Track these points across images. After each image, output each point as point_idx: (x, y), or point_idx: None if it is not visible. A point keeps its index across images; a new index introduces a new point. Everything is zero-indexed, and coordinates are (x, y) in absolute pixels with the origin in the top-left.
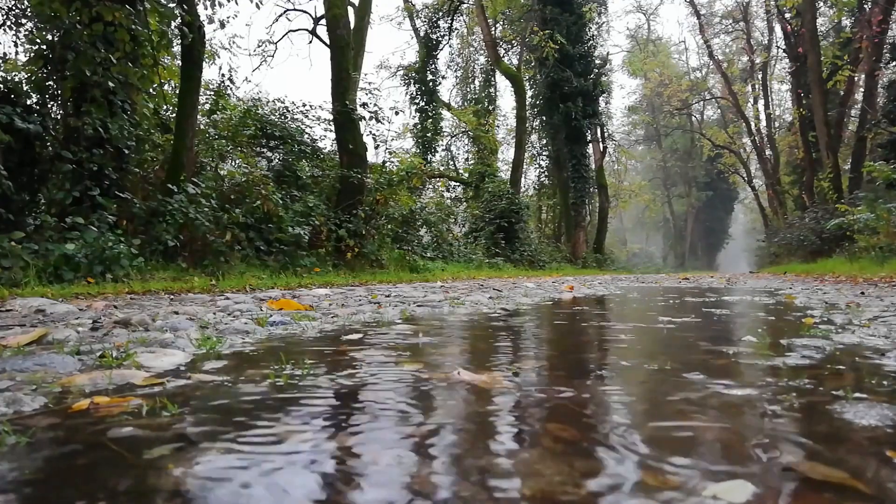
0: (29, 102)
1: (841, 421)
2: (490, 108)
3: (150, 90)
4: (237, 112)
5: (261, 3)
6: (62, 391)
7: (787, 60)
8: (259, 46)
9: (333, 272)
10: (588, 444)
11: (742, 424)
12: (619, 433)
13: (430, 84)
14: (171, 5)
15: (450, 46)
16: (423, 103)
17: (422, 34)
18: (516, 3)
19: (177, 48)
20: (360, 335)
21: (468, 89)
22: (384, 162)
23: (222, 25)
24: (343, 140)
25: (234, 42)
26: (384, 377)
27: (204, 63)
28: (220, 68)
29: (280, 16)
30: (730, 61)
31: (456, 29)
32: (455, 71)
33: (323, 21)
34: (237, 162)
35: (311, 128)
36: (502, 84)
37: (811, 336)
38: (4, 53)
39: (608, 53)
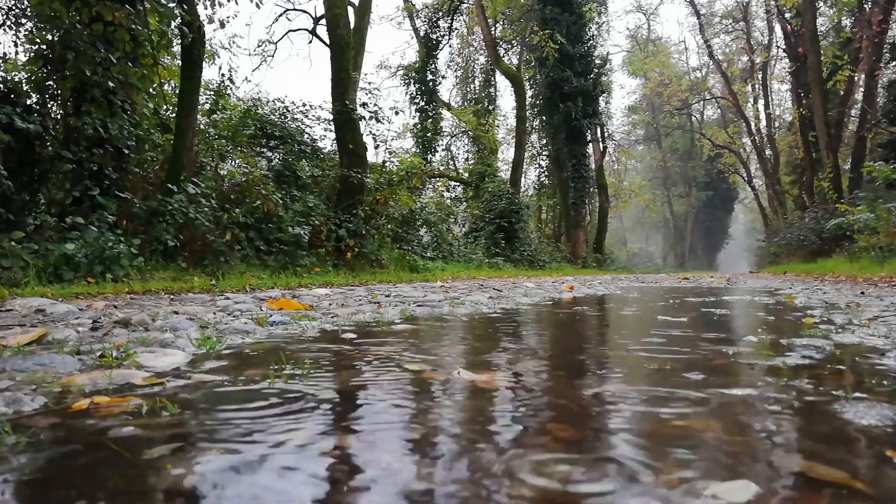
0: (29, 102)
1: (841, 421)
2: (490, 108)
3: (150, 90)
4: (237, 112)
5: (261, 3)
6: (62, 391)
7: (787, 60)
8: (259, 46)
9: (333, 272)
10: (588, 444)
11: (742, 424)
12: (620, 433)
13: (430, 84)
14: (171, 5)
15: (450, 46)
16: (423, 103)
17: (422, 34)
18: (516, 3)
19: (177, 48)
20: (360, 335)
21: (468, 89)
22: (384, 162)
23: (222, 25)
24: (343, 140)
25: (234, 42)
26: (384, 377)
27: (204, 63)
28: (220, 68)
29: (280, 16)
30: (730, 61)
31: (456, 29)
32: (455, 71)
33: (323, 21)
34: (237, 162)
35: (311, 128)
36: (502, 84)
37: (811, 336)
38: (4, 53)
39: (608, 53)
